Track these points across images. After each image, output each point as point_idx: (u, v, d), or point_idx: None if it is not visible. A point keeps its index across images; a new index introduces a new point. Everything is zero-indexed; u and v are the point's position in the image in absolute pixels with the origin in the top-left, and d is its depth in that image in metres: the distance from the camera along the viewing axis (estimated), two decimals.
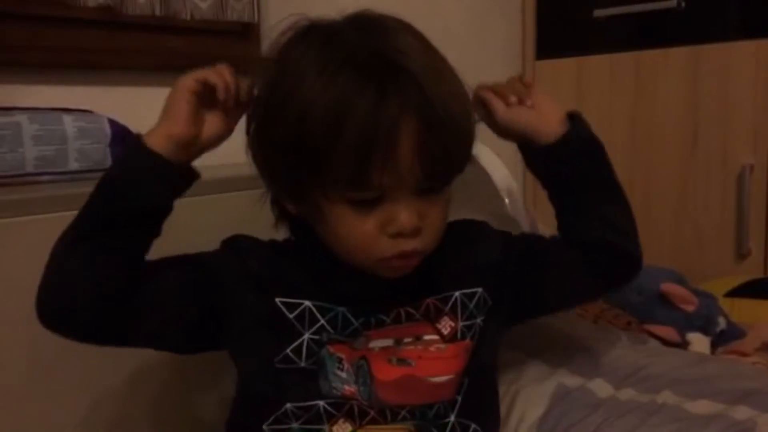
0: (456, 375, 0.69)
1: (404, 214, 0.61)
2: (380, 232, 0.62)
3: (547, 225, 1.32)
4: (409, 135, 0.58)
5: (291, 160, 0.62)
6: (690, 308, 1.24)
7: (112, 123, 0.89)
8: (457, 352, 0.69)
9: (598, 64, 1.73)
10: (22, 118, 0.80)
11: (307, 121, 0.59)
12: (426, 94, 0.59)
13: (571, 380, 0.87)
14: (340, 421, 0.66)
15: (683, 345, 1.18)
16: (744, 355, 1.11)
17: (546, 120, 0.77)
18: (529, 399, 0.84)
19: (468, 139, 0.65)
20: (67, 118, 0.84)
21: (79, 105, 0.89)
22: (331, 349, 0.67)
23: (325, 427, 0.66)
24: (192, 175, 0.67)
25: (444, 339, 0.69)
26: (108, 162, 0.88)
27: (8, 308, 0.73)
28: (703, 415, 0.77)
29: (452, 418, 0.69)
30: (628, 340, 1.04)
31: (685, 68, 1.60)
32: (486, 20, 1.73)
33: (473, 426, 0.70)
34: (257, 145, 0.66)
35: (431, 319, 0.70)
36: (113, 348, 0.79)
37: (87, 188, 0.81)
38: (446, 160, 0.62)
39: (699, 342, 1.18)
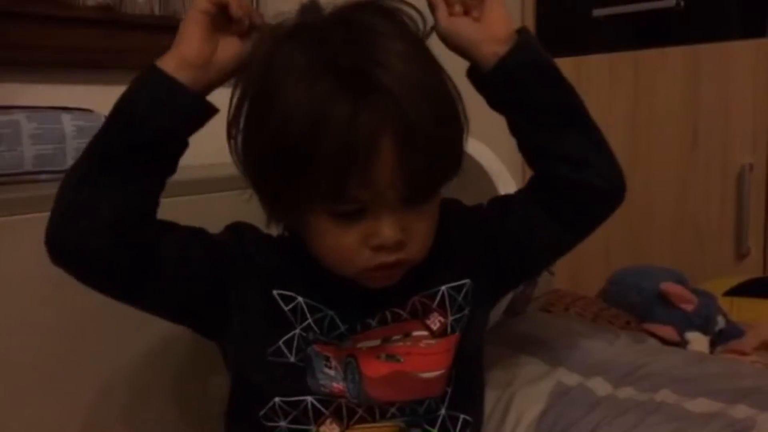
0: (446, 369, 0.68)
1: (386, 228, 0.60)
2: (362, 244, 0.61)
3: None
4: (388, 149, 0.57)
5: (272, 173, 0.61)
6: (689, 307, 1.24)
7: None
8: (448, 347, 0.69)
9: (597, 63, 1.73)
10: (20, 117, 0.80)
11: (285, 133, 0.58)
12: (405, 108, 0.56)
13: (570, 379, 0.87)
14: (328, 421, 0.66)
15: (682, 344, 1.19)
16: (743, 354, 1.11)
17: (490, 37, 0.67)
18: (527, 397, 0.84)
19: (453, 151, 0.62)
20: (66, 117, 0.84)
21: (79, 104, 0.89)
22: (317, 348, 0.67)
23: (312, 427, 0.66)
24: (209, 109, 0.64)
25: (433, 334, 0.68)
26: None
27: (8, 306, 0.73)
28: (702, 413, 0.77)
29: (442, 411, 0.68)
30: (627, 338, 1.03)
31: (684, 68, 1.60)
32: None
33: (462, 416, 0.70)
34: (242, 152, 0.65)
35: (419, 316, 0.69)
36: (115, 343, 0.80)
37: None
38: (428, 174, 0.60)
39: (698, 341, 1.18)
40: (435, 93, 0.61)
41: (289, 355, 0.66)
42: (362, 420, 0.66)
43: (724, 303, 1.31)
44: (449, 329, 0.69)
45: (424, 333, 0.68)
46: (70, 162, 0.84)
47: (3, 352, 0.73)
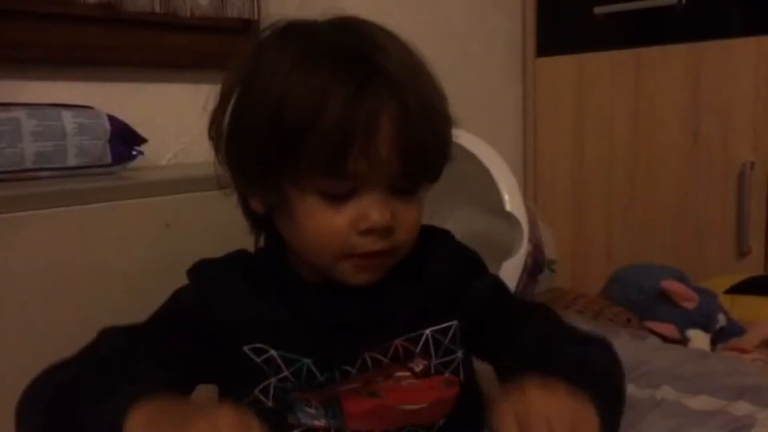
0: (430, 404, 0.66)
1: (377, 211, 0.59)
2: (351, 228, 0.59)
3: (548, 221, 1.32)
4: (388, 126, 0.57)
5: (264, 148, 0.59)
6: (690, 305, 1.24)
7: (112, 119, 0.89)
8: (432, 385, 0.66)
9: (598, 61, 1.72)
10: (21, 114, 0.80)
11: (283, 108, 0.57)
12: (405, 90, 0.57)
13: None
14: None
15: (683, 342, 1.19)
16: (744, 351, 1.12)
17: None
18: None
19: (444, 140, 0.62)
20: (67, 114, 0.84)
21: (79, 101, 0.89)
22: (296, 395, 0.64)
23: None
24: None
25: (416, 375, 0.66)
26: (107, 158, 0.88)
27: (7, 303, 0.73)
28: (702, 410, 0.77)
29: None
30: (628, 336, 1.03)
31: (685, 65, 1.60)
32: (486, 17, 1.73)
33: None
34: (228, 137, 0.63)
35: (401, 361, 0.65)
36: None
37: (85, 184, 0.82)
38: (423, 156, 0.59)
39: (699, 339, 1.18)
40: (430, 82, 0.62)
41: (266, 401, 0.64)
42: None
43: (725, 301, 1.31)
44: (432, 370, 0.66)
45: (406, 374, 0.66)
46: (70, 159, 0.84)
47: (2, 349, 0.73)
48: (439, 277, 0.69)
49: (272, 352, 0.63)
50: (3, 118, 0.79)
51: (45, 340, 0.76)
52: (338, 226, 0.59)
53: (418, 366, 0.66)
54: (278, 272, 0.67)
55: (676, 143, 1.63)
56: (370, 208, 0.59)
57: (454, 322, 0.67)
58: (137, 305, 0.81)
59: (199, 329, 0.64)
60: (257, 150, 0.60)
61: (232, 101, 0.63)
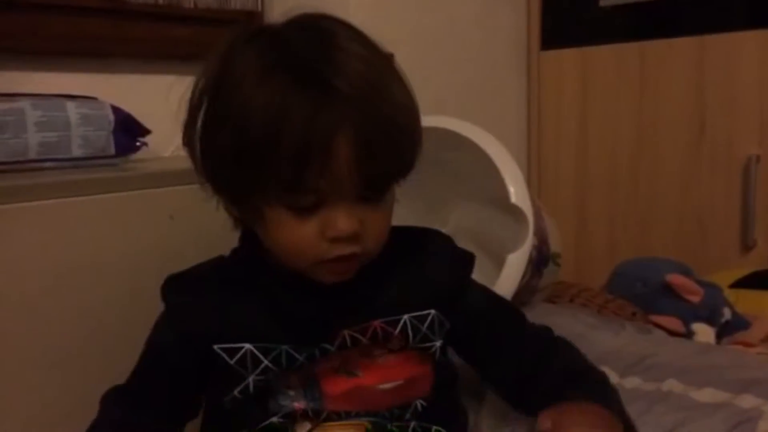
0: (405, 381, 0.68)
1: (343, 220, 0.60)
2: (319, 236, 0.61)
3: (552, 215, 1.32)
4: (345, 144, 0.57)
5: (232, 165, 0.60)
6: (695, 299, 1.24)
7: (116, 110, 0.88)
8: (405, 358, 0.68)
9: (603, 54, 1.72)
10: (25, 104, 0.80)
11: (246, 127, 0.58)
12: (362, 107, 0.58)
13: None
14: (299, 419, 0.66)
15: (688, 335, 1.18)
16: (749, 345, 1.11)
17: None
18: None
19: (410, 147, 0.63)
20: (71, 105, 0.84)
21: (83, 92, 0.88)
22: (276, 380, 0.66)
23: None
24: None
25: (391, 351, 0.68)
26: (111, 149, 0.87)
27: (11, 294, 0.73)
28: (708, 403, 0.77)
29: (413, 423, 0.68)
30: (632, 329, 1.03)
31: (690, 58, 1.59)
32: (490, 10, 1.72)
33: (435, 428, 0.69)
34: (201, 150, 0.64)
35: (378, 342, 0.68)
36: (118, 332, 0.80)
37: (89, 175, 0.82)
38: (386, 168, 0.61)
39: (704, 332, 1.18)
40: (395, 91, 0.61)
41: (247, 396, 0.66)
42: (330, 419, 0.67)
43: (730, 295, 1.31)
44: (408, 347, 0.69)
45: (383, 351, 0.68)
46: (75, 150, 0.84)
47: (5, 341, 0.73)
48: (424, 270, 0.71)
49: (247, 346, 0.65)
50: (7, 109, 0.79)
51: (47, 331, 0.76)
52: (307, 235, 0.61)
53: (395, 345, 0.68)
54: (254, 268, 0.68)
55: (680, 136, 1.62)
56: (337, 218, 0.60)
57: (432, 311, 0.69)
58: (140, 297, 0.81)
59: (178, 354, 0.67)
60: (224, 164, 0.62)
61: (203, 110, 0.63)
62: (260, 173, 0.59)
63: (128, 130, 0.90)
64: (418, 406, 0.69)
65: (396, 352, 0.68)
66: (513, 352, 0.73)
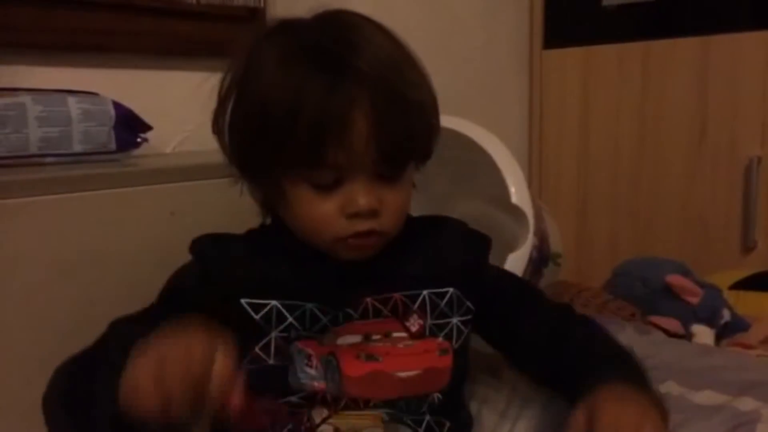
0: (423, 371, 0.69)
1: (362, 196, 0.63)
2: (339, 213, 0.64)
3: (553, 215, 1.32)
4: (361, 120, 0.60)
5: (255, 144, 0.64)
6: (695, 300, 1.24)
7: (117, 105, 0.88)
8: (426, 348, 0.70)
9: (605, 54, 1.71)
10: (26, 99, 0.80)
11: (267, 106, 0.62)
12: (377, 85, 0.61)
13: None
14: (317, 405, 0.67)
15: (687, 337, 1.18)
16: (748, 347, 1.11)
17: None
18: (532, 386, 0.84)
19: (423, 127, 0.66)
20: (72, 100, 0.83)
21: (85, 87, 0.88)
22: (300, 345, 0.67)
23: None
24: None
25: (412, 336, 0.70)
26: (112, 145, 0.87)
27: (12, 289, 0.73)
28: (707, 405, 0.77)
29: (427, 416, 0.69)
30: (632, 330, 1.03)
31: (693, 59, 1.59)
32: (493, 9, 1.72)
33: (448, 423, 0.70)
34: (228, 134, 0.68)
35: (399, 316, 0.69)
36: None
37: (90, 170, 0.82)
38: (399, 146, 0.63)
39: (703, 334, 1.18)
40: (412, 72, 0.65)
41: (267, 359, 0.66)
42: (348, 407, 0.67)
43: (730, 296, 1.31)
44: (428, 332, 0.70)
45: (403, 334, 0.70)
46: (75, 145, 0.84)
47: (7, 335, 0.73)
48: (444, 252, 0.74)
49: (273, 302, 0.66)
50: (9, 103, 0.79)
51: (48, 325, 0.76)
52: (327, 211, 0.64)
53: (414, 326, 0.70)
54: (282, 240, 0.70)
55: (682, 137, 1.62)
56: (356, 194, 0.63)
57: (451, 290, 0.71)
58: (141, 293, 0.81)
59: (201, 297, 0.67)
60: (250, 145, 0.66)
61: (232, 98, 0.67)
62: (281, 148, 0.62)
63: (129, 126, 0.90)
64: (435, 399, 0.70)
65: (417, 339, 0.69)
66: (531, 328, 0.74)
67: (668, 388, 0.81)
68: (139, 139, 0.92)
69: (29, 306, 0.74)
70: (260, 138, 0.63)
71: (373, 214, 0.64)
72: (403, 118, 0.62)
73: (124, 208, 0.82)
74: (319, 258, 0.68)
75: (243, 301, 0.66)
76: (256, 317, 0.66)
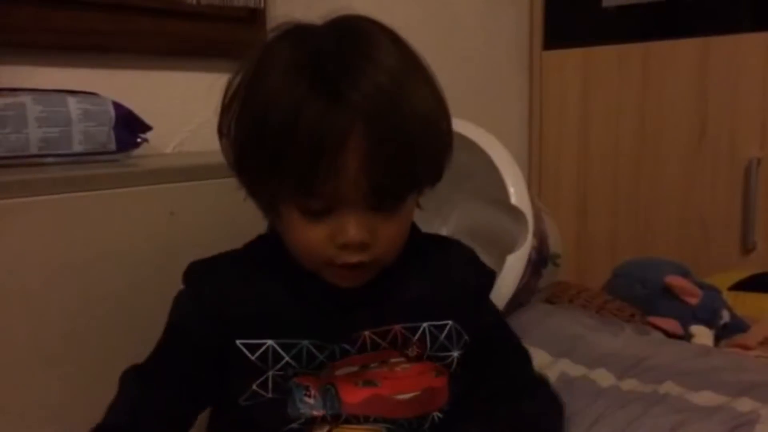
0: (422, 391, 0.69)
1: (352, 228, 0.60)
2: (329, 241, 0.61)
3: (552, 215, 1.32)
4: (356, 148, 0.57)
5: (251, 155, 0.62)
6: (694, 301, 1.24)
7: (117, 106, 0.88)
8: (423, 370, 0.69)
9: (605, 54, 1.71)
10: (26, 99, 0.80)
11: (265, 120, 0.59)
12: (379, 108, 0.58)
13: (574, 370, 0.87)
14: (317, 426, 0.66)
15: (686, 337, 1.18)
16: (747, 348, 1.11)
17: None
18: None
19: (429, 158, 0.63)
20: (72, 100, 0.83)
21: (85, 87, 0.88)
22: (297, 380, 0.66)
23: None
24: None
25: (409, 360, 0.69)
26: (112, 145, 0.87)
27: (11, 289, 0.73)
28: (706, 406, 0.77)
29: None
30: (631, 331, 1.03)
31: (693, 60, 1.59)
32: (493, 9, 1.72)
33: None
34: (230, 146, 0.66)
35: (398, 347, 0.68)
36: (118, 326, 0.80)
37: (90, 170, 0.82)
38: (395, 178, 0.60)
39: (702, 334, 1.18)
40: (408, 108, 0.60)
41: (265, 394, 0.66)
42: (348, 422, 0.67)
43: (729, 297, 1.30)
44: (425, 357, 0.69)
45: (401, 359, 0.69)
46: (75, 146, 0.84)
47: (6, 334, 0.73)
48: (447, 282, 0.72)
49: (269, 342, 0.65)
50: (9, 104, 0.79)
51: (47, 326, 0.76)
52: (316, 238, 0.62)
53: (413, 352, 0.68)
54: (280, 261, 0.68)
55: (682, 138, 1.62)
56: (347, 225, 0.60)
57: (449, 322, 0.70)
58: (141, 293, 0.82)
59: (201, 338, 0.67)
60: (245, 154, 0.63)
61: (238, 102, 0.65)
62: (275, 168, 0.60)
63: (129, 126, 0.90)
64: (435, 418, 0.69)
65: (414, 361, 0.69)
66: (493, 383, 0.73)
67: (667, 388, 0.81)
68: (139, 140, 0.92)
69: (29, 306, 0.74)
70: (254, 147, 0.62)
71: (363, 247, 0.61)
72: (400, 153, 0.59)
73: (124, 209, 0.82)
74: (315, 281, 0.66)
75: (238, 342, 0.65)
76: (252, 357, 0.65)
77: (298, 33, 0.64)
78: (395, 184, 0.61)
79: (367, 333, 0.67)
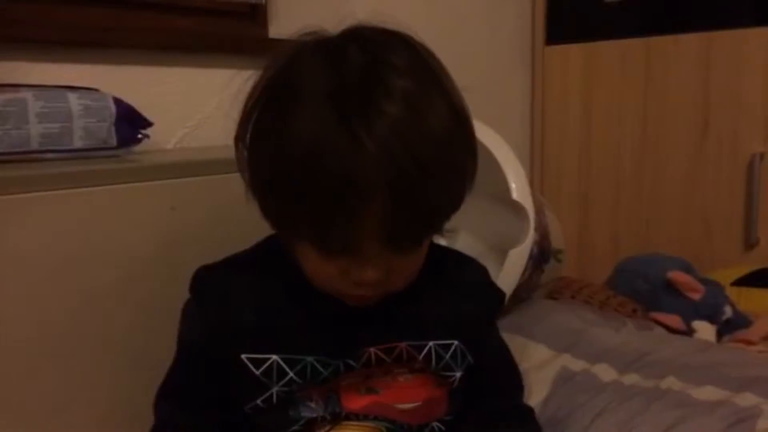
0: (423, 402, 0.69)
1: (369, 270, 0.59)
2: (344, 275, 0.60)
3: (555, 211, 1.32)
4: (377, 200, 0.55)
5: (268, 190, 0.60)
6: (696, 296, 1.23)
7: (118, 101, 0.88)
8: (424, 381, 0.69)
9: (608, 50, 1.71)
10: (27, 95, 0.80)
11: (282, 165, 0.57)
12: (393, 165, 0.54)
13: (575, 365, 0.87)
14: (318, 425, 0.67)
15: (688, 333, 1.18)
16: (750, 343, 1.11)
17: None
18: (531, 383, 0.84)
19: (442, 202, 0.60)
20: (72, 96, 0.83)
21: (85, 83, 0.88)
22: (300, 394, 0.66)
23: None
24: None
25: (411, 371, 0.68)
26: (113, 141, 0.87)
27: (12, 284, 0.73)
28: (707, 401, 0.77)
29: None
30: (633, 326, 1.03)
31: (696, 55, 1.59)
32: (496, 5, 1.72)
33: None
34: (247, 155, 0.63)
35: (403, 363, 0.68)
36: (120, 322, 0.80)
37: (91, 166, 0.82)
38: (416, 228, 0.59)
39: (704, 330, 1.18)
40: (431, 141, 0.57)
41: (270, 405, 0.66)
42: (348, 418, 0.67)
43: (732, 293, 1.30)
44: (429, 369, 0.69)
45: (404, 370, 0.68)
46: (76, 141, 0.84)
47: (7, 330, 0.73)
48: (456, 303, 0.71)
49: (274, 357, 0.64)
50: (9, 99, 0.79)
51: (48, 321, 0.76)
52: (331, 273, 0.61)
53: (417, 364, 0.68)
54: (285, 270, 0.66)
55: (685, 133, 1.62)
56: (363, 266, 0.59)
57: (455, 342, 0.69)
58: (142, 288, 0.82)
59: (210, 352, 0.66)
60: (262, 186, 0.61)
61: (257, 111, 0.62)
62: (289, 213, 0.59)
63: (130, 122, 0.90)
64: (436, 428, 0.70)
65: (416, 372, 0.68)
66: (482, 405, 0.73)
67: (669, 383, 0.81)
68: (139, 135, 0.92)
69: (30, 301, 0.74)
70: (272, 183, 0.59)
71: (378, 284, 0.60)
72: (423, 199, 0.56)
73: (125, 204, 0.82)
74: (322, 296, 0.65)
75: (243, 356, 0.64)
76: (257, 372, 0.64)
77: (324, 51, 0.60)
78: (416, 229, 0.60)
79: (372, 350, 0.66)
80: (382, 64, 0.58)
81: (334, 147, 0.54)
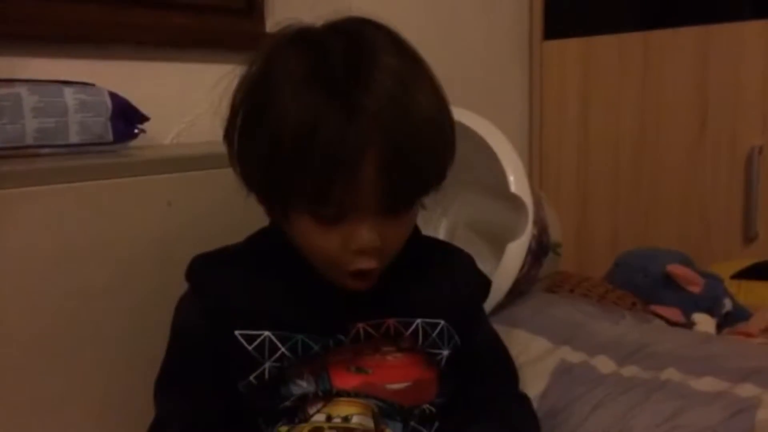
0: (413, 382, 0.70)
1: (366, 233, 0.62)
2: (342, 247, 0.63)
3: (554, 205, 1.31)
4: (370, 164, 0.59)
5: (262, 170, 0.63)
6: (696, 289, 1.23)
7: (114, 96, 0.88)
8: (414, 360, 0.71)
9: (606, 44, 1.71)
10: (22, 90, 0.79)
11: (278, 136, 0.60)
12: (387, 131, 0.59)
13: (574, 357, 0.87)
14: (309, 402, 0.68)
15: (688, 326, 1.18)
16: (749, 336, 1.11)
17: None
18: (530, 375, 0.84)
19: (432, 167, 0.64)
20: (68, 91, 0.83)
21: (81, 78, 0.88)
22: (290, 371, 0.68)
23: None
24: None
25: (400, 350, 0.71)
26: (109, 136, 0.87)
27: (8, 279, 0.73)
28: (707, 392, 0.77)
29: (411, 423, 0.70)
30: (632, 319, 1.03)
31: (694, 49, 1.58)
32: (493, 0, 1.72)
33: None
34: (237, 148, 0.66)
35: (390, 339, 0.70)
36: (117, 318, 0.80)
37: (87, 161, 0.81)
38: (409, 184, 0.62)
39: (704, 322, 1.18)
40: (416, 111, 0.61)
41: (262, 382, 0.67)
42: (340, 395, 0.69)
43: (731, 286, 1.30)
44: (417, 348, 0.71)
45: (393, 348, 0.71)
46: (72, 136, 0.84)
47: (4, 325, 0.73)
48: (444, 285, 0.74)
49: (266, 333, 0.67)
50: (5, 94, 0.78)
51: (44, 316, 0.76)
52: (330, 245, 0.63)
53: (405, 343, 0.70)
54: (281, 256, 0.70)
55: (683, 127, 1.62)
56: (360, 231, 0.62)
57: (442, 321, 0.71)
58: (138, 283, 0.82)
59: (206, 335, 0.68)
60: (256, 168, 0.64)
61: (243, 108, 0.65)
62: (288, 183, 0.61)
63: (126, 117, 0.90)
64: (426, 410, 0.71)
65: (405, 351, 0.71)
66: (479, 394, 0.74)
67: (668, 375, 0.81)
68: (136, 130, 0.91)
69: (25, 297, 0.74)
70: (267, 163, 0.62)
71: (376, 252, 0.63)
72: (413, 159, 0.60)
73: (121, 199, 0.81)
74: (314, 278, 0.68)
75: (237, 332, 0.67)
76: (250, 348, 0.67)
77: (304, 40, 0.64)
78: (408, 190, 0.63)
79: (361, 325, 0.68)
80: (367, 44, 0.62)
81: (327, 115, 0.58)
